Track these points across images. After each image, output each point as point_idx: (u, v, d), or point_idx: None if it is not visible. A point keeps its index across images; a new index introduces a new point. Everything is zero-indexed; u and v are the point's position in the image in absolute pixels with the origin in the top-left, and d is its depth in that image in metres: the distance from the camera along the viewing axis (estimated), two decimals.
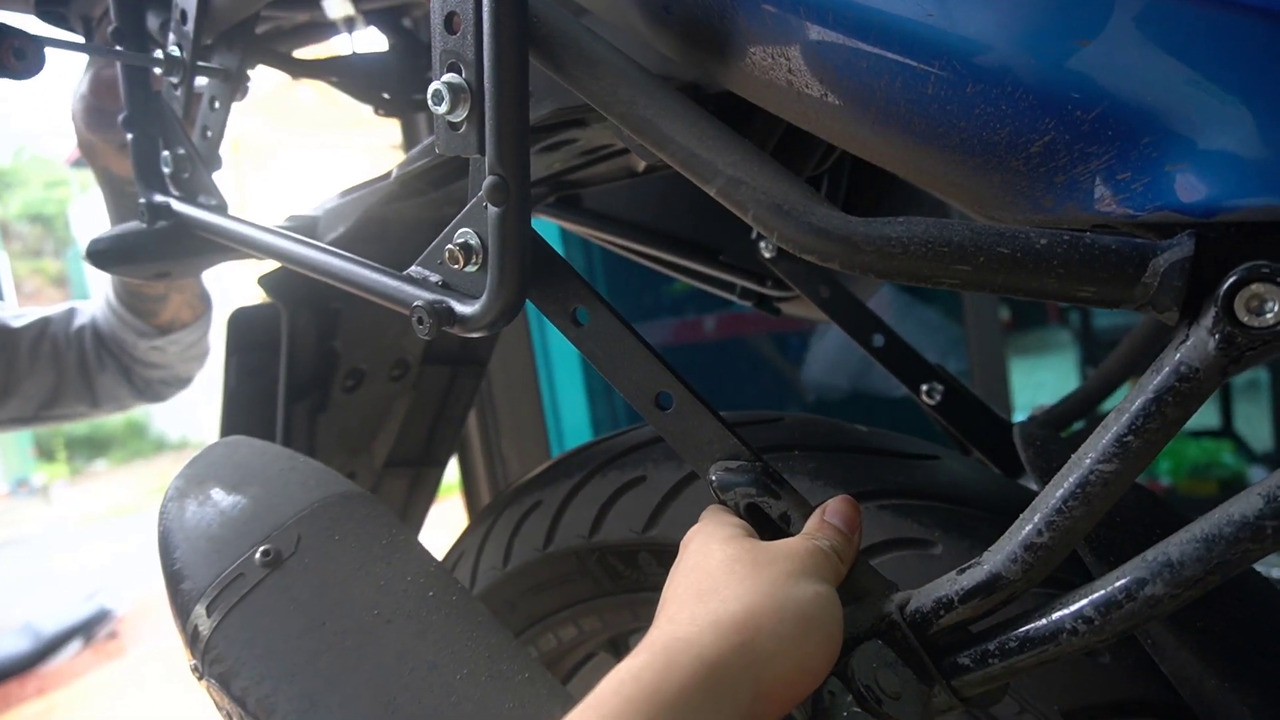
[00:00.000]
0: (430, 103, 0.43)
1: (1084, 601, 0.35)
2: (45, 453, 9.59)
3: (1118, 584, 0.35)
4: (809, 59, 0.39)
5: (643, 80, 0.41)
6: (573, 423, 2.28)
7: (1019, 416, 0.84)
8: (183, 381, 1.14)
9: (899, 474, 0.53)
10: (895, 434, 0.58)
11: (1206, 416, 3.13)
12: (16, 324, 1.09)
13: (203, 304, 1.09)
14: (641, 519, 0.59)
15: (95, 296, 1.12)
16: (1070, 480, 0.35)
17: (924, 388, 0.74)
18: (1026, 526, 0.36)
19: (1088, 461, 0.35)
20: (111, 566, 4.95)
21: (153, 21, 0.63)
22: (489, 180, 0.42)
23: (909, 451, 0.56)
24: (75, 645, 3.66)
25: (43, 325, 1.09)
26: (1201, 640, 0.43)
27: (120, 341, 1.07)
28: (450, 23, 0.42)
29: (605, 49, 0.42)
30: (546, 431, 1.93)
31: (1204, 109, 0.31)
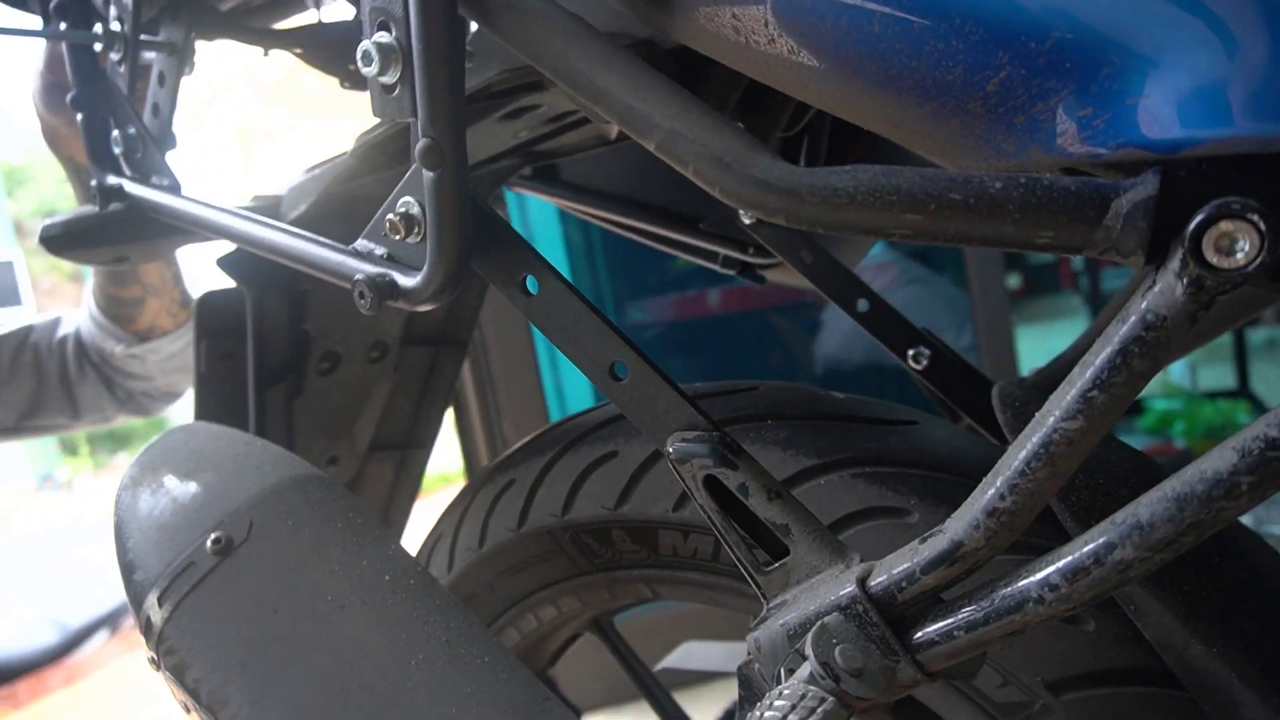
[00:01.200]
0: (360, 64, 0.41)
1: (1050, 569, 0.33)
2: (69, 448, 9.72)
3: (1085, 549, 0.33)
4: (751, 4, 0.37)
5: (579, 32, 0.39)
6: (577, 400, 2.27)
7: None
8: (168, 395, 1.13)
9: (874, 440, 0.51)
10: (872, 400, 0.56)
11: (1222, 376, 3.08)
12: None
13: (184, 312, 1.07)
14: (613, 496, 0.58)
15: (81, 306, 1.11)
16: (1033, 440, 0.33)
17: (910, 353, 0.72)
18: (988, 491, 0.34)
19: (1051, 420, 0.33)
20: None
21: None
22: (421, 143, 0.40)
23: (885, 417, 0.54)
24: (102, 636, 3.71)
25: (25, 334, 1.09)
26: (1187, 604, 0.41)
27: (100, 350, 1.06)
28: None
29: (538, 1, 0.40)
30: (548, 410, 1.92)
31: (1162, 34, 0.29)
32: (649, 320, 2.35)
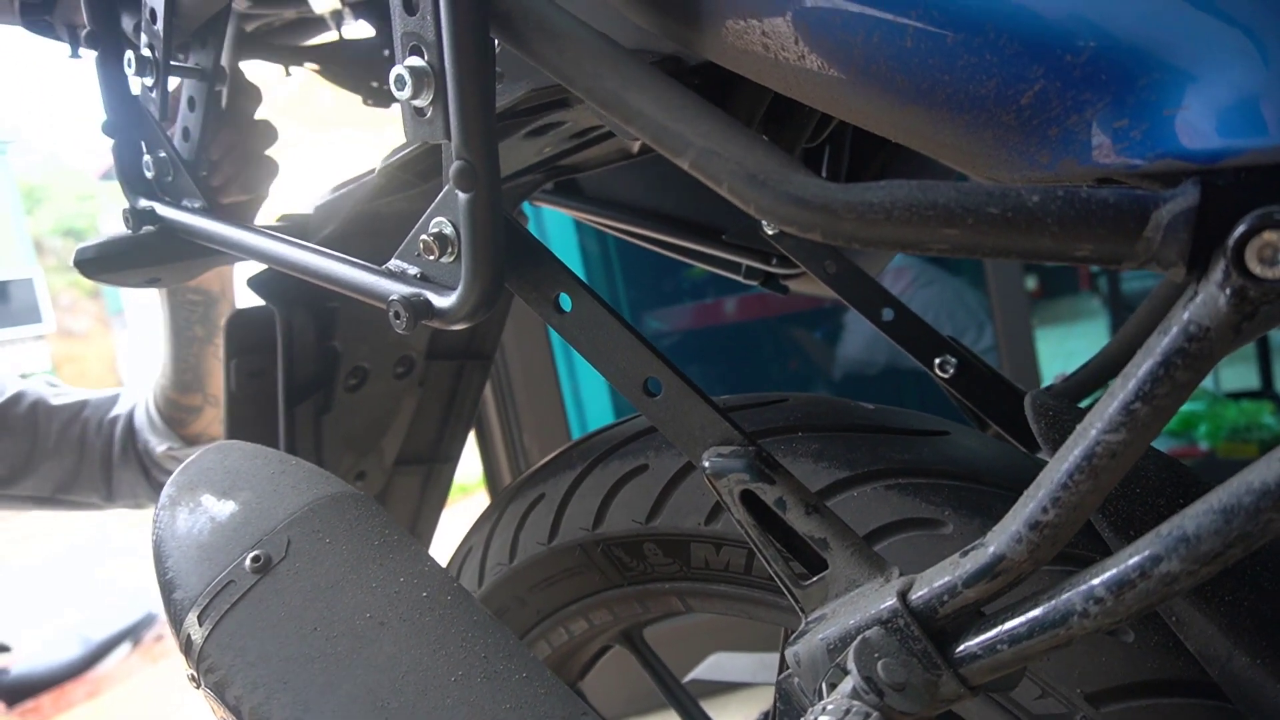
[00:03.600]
0: (393, 88, 0.41)
1: (1095, 581, 0.33)
2: None
3: (1131, 561, 0.32)
4: (781, 20, 0.37)
5: (609, 53, 0.39)
6: (596, 411, 2.27)
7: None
8: None
9: (906, 452, 0.51)
10: (903, 410, 0.56)
11: (1246, 377, 3.04)
12: (55, 401, 1.09)
13: None
14: (644, 509, 0.58)
15: (142, 384, 1.12)
16: (1076, 453, 0.33)
17: (936, 361, 0.72)
18: (1030, 504, 0.34)
19: (1093, 432, 0.32)
20: None
21: (127, 23, 0.62)
22: (455, 165, 0.40)
23: (917, 428, 0.54)
24: (124, 649, 3.73)
25: (79, 408, 1.09)
26: (1230, 615, 0.41)
27: (145, 441, 1.07)
28: (409, 3, 0.41)
29: (569, 22, 0.40)
30: (568, 422, 1.92)
31: (1201, 45, 0.29)
32: (666, 329, 2.36)
